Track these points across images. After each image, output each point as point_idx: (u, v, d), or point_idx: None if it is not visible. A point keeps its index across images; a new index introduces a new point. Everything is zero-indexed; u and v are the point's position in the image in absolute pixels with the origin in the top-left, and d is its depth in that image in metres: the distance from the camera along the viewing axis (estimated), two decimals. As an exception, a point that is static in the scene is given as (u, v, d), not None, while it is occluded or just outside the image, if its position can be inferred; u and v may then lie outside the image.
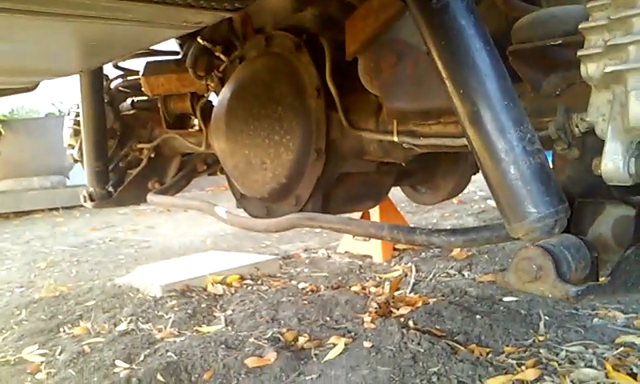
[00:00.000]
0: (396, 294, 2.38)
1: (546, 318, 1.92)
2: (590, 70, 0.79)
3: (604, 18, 0.77)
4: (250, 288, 2.59)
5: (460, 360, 1.61)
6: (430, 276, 2.59)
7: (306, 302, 2.30)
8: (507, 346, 1.74)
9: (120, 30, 0.99)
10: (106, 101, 2.13)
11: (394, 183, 1.90)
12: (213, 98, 1.96)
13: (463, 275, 2.58)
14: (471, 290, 2.30)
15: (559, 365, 1.59)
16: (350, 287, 2.50)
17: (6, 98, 2.22)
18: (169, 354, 1.84)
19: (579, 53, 0.79)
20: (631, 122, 0.74)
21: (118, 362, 1.84)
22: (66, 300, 2.61)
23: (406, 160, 1.53)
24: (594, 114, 0.81)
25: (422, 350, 1.69)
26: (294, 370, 1.68)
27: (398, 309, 2.14)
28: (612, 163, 0.77)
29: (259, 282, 2.69)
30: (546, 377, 1.52)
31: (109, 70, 2.23)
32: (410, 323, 1.95)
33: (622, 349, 1.65)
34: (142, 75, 2.02)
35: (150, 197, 2.08)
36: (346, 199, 1.73)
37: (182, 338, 1.99)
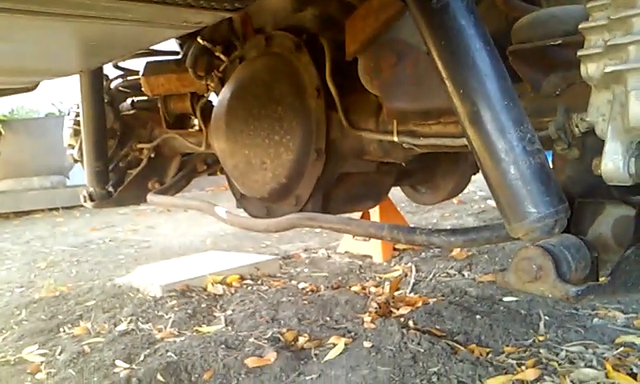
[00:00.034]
0: (396, 293, 2.38)
1: (546, 318, 1.92)
2: (589, 70, 0.79)
3: (604, 18, 0.77)
4: (250, 288, 2.59)
5: (460, 360, 1.61)
6: (430, 276, 2.59)
7: (306, 302, 2.30)
8: (507, 346, 1.74)
9: (120, 30, 0.99)
10: (106, 101, 2.14)
11: (394, 183, 1.90)
12: (213, 98, 1.96)
13: (463, 275, 2.58)
14: (471, 290, 2.30)
15: (559, 365, 1.59)
16: (350, 287, 2.50)
17: (6, 98, 2.22)
18: (169, 353, 1.84)
19: (579, 53, 0.79)
20: (631, 122, 0.74)
21: (118, 362, 1.84)
22: (66, 300, 2.61)
23: (406, 160, 1.53)
24: (594, 113, 0.81)
25: (422, 350, 1.69)
26: (294, 370, 1.68)
27: (398, 309, 2.14)
28: (612, 163, 0.77)
29: (259, 282, 2.69)
30: (546, 377, 1.52)
31: (109, 69, 2.23)
32: (410, 323, 1.95)
33: (622, 349, 1.65)
34: (142, 75, 2.02)
35: (149, 197, 2.08)
36: (346, 199, 1.73)
37: (182, 338, 1.99)
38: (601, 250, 0.89)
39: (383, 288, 2.46)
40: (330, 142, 1.52)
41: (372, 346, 1.76)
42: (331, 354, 1.75)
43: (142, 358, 1.87)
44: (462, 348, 1.71)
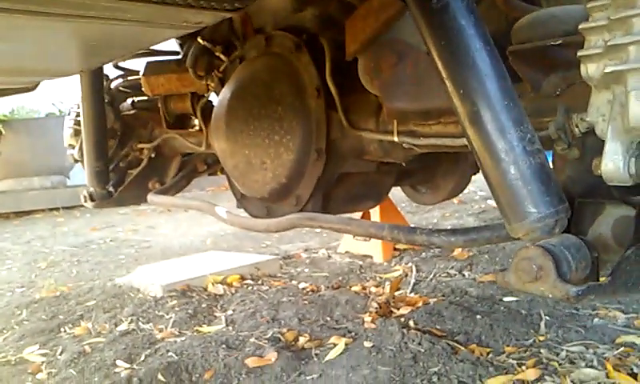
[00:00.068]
0: (396, 293, 2.38)
1: (547, 317, 1.92)
2: (590, 70, 0.79)
3: (604, 19, 0.77)
4: (250, 288, 2.59)
5: (460, 360, 1.61)
6: (431, 276, 2.59)
7: (306, 301, 2.30)
8: (508, 345, 1.74)
9: (120, 30, 0.99)
10: (106, 101, 2.14)
11: (394, 183, 1.90)
12: (213, 98, 1.96)
13: (464, 275, 2.58)
14: (472, 290, 2.30)
15: (560, 365, 1.58)
16: (351, 287, 2.50)
17: (7, 98, 2.22)
18: (169, 353, 1.84)
19: (579, 53, 0.79)
20: (631, 122, 0.73)
21: (118, 362, 1.84)
22: (66, 300, 2.61)
23: (406, 160, 1.53)
24: (594, 114, 0.81)
25: (423, 350, 1.69)
26: (295, 370, 1.68)
27: (398, 309, 2.14)
28: (612, 163, 0.77)
29: (260, 282, 2.69)
30: (546, 377, 1.52)
31: (109, 69, 2.23)
32: (411, 323, 1.95)
33: (622, 349, 1.65)
34: (143, 75, 2.02)
35: (150, 197, 2.08)
36: (347, 199, 1.73)
37: (183, 338, 1.99)
38: (601, 250, 0.89)
39: (384, 288, 2.46)
40: (330, 142, 1.52)
41: (372, 346, 1.76)
42: (332, 354, 1.75)
43: (142, 357, 1.87)
44: (463, 348, 1.71)
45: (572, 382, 1.48)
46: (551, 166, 0.89)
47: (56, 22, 0.90)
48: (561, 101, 0.96)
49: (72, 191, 6.12)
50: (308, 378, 1.63)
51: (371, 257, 3.05)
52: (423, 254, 2.97)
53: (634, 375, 1.49)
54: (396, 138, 1.34)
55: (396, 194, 2.26)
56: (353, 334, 1.91)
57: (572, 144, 0.91)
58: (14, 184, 6.40)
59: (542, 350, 1.68)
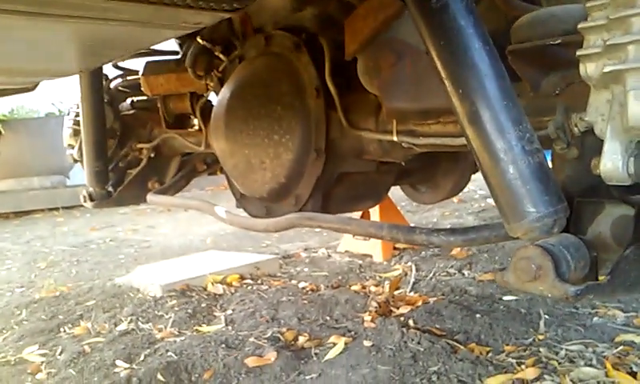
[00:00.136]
0: (396, 293, 2.38)
1: (546, 316, 1.92)
2: (589, 69, 0.79)
3: (603, 18, 0.76)
4: (250, 287, 2.59)
5: (460, 359, 1.61)
6: (430, 275, 2.59)
7: (306, 301, 2.30)
8: (507, 344, 1.74)
9: (118, 30, 0.99)
10: (105, 101, 2.14)
11: (393, 182, 1.90)
12: (212, 97, 1.96)
13: (463, 274, 2.58)
14: (471, 289, 2.30)
15: (559, 364, 1.59)
16: (350, 286, 2.50)
17: (6, 98, 2.22)
18: (169, 353, 1.84)
19: (578, 52, 0.79)
20: (630, 122, 0.73)
21: (118, 362, 1.84)
22: (66, 300, 2.61)
23: (405, 159, 1.53)
24: (593, 113, 0.81)
25: (422, 349, 1.69)
26: (294, 370, 1.68)
27: (398, 308, 2.14)
28: (611, 163, 0.77)
29: (259, 282, 2.69)
30: (545, 376, 1.52)
31: (108, 69, 2.23)
32: (410, 322, 1.95)
33: (621, 347, 1.65)
34: (142, 75, 2.02)
35: (149, 197, 2.08)
36: (346, 199, 1.73)
37: (182, 338, 1.99)
38: (600, 249, 0.89)
39: (383, 287, 2.46)
40: (329, 141, 1.52)
41: (372, 345, 1.76)
42: (331, 354, 1.75)
43: (142, 357, 1.87)
44: (462, 347, 1.71)
45: (571, 380, 1.48)
46: (550, 166, 0.89)
47: (55, 23, 0.90)
48: (560, 100, 0.95)
49: (72, 191, 6.12)
50: (307, 377, 1.63)
51: (371, 256, 3.05)
52: (423, 253, 2.97)
53: (633, 374, 1.49)
54: (395, 138, 1.34)
55: (396, 193, 2.26)
56: (352, 333, 1.91)
57: (571, 143, 0.91)
58: (14, 184, 6.40)
59: (541, 349, 1.68)
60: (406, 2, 0.92)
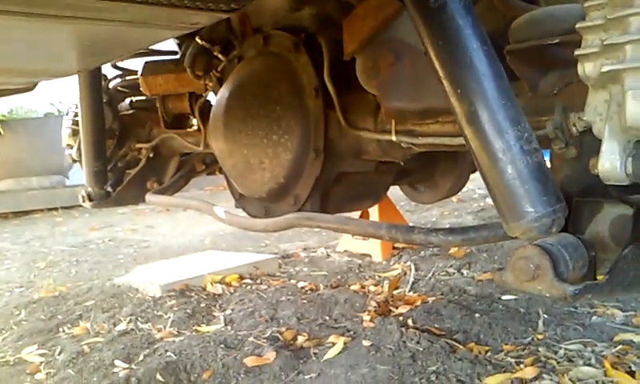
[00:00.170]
0: (395, 292, 2.38)
1: (545, 316, 1.92)
2: (587, 69, 0.79)
3: (601, 18, 0.77)
4: (249, 287, 2.59)
5: (459, 358, 1.61)
6: (429, 274, 2.59)
7: (305, 301, 2.30)
8: (506, 344, 1.74)
9: (116, 31, 0.99)
10: (104, 101, 2.14)
11: (392, 182, 1.90)
12: (211, 97, 1.96)
13: (462, 274, 2.58)
14: (470, 289, 2.30)
15: (558, 363, 1.59)
16: (349, 286, 2.50)
17: (5, 98, 2.22)
18: (168, 353, 1.84)
19: (576, 52, 0.79)
20: (628, 122, 0.74)
21: (117, 362, 1.84)
22: (65, 300, 2.61)
23: (404, 159, 1.53)
24: (591, 113, 0.81)
25: (421, 349, 1.70)
26: (294, 369, 1.68)
27: (397, 307, 2.14)
28: (609, 163, 0.77)
29: (258, 282, 2.69)
30: (544, 375, 1.52)
31: (107, 69, 2.23)
32: (409, 322, 1.95)
33: (620, 347, 1.65)
34: (141, 75, 2.02)
35: (148, 196, 2.08)
36: (345, 199, 1.73)
37: (181, 338, 1.99)
38: (598, 248, 0.89)
39: (382, 287, 2.46)
40: (328, 141, 1.52)
41: (371, 345, 1.76)
42: (330, 353, 1.75)
43: (141, 357, 1.87)
44: (461, 346, 1.72)
45: (570, 380, 1.49)
46: (549, 165, 0.89)
47: (53, 24, 0.90)
48: (558, 100, 0.96)
49: (71, 191, 6.12)
50: (307, 377, 1.64)
51: (370, 256, 3.05)
52: (422, 252, 2.97)
53: (631, 373, 1.49)
54: (394, 138, 1.34)
55: (395, 192, 2.26)
56: (351, 332, 1.91)
57: (569, 143, 0.91)
58: (13, 184, 6.40)
59: (540, 349, 1.68)
60: (404, 1, 0.92)
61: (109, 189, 2.16)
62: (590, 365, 1.56)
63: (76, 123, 2.20)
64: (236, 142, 1.64)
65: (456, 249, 2.84)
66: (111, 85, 2.26)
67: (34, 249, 4.26)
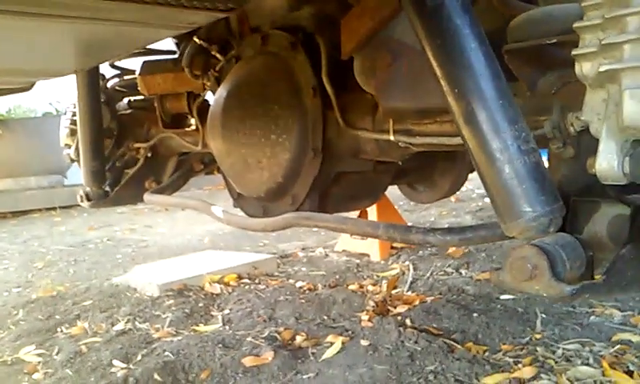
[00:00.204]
0: (393, 292, 2.38)
1: (543, 315, 1.92)
2: (584, 69, 0.79)
3: (598, 17, 0.76)
4: (247, 287, 2.59)
5: (457, 358, 1.62)
6: (428, 274, 2.59)
7: (303, 300, 2.30)
8: (504, 344, 1.74)
9: (114, 30, 0.99)
10: (102, 100, 2.13)
11: (391, 182, 1.89)
12: (209, 97, 1.96)
13: (460, 273, 2.58)
14: (468, 288, 2.30)
15: (556, 363, 1.59)
16: (348, 286, 2.50)
17: (3, 98, 2.21)
18: (166, 353, 1.84)
19: (574, 52, 0.79)
20: (625, 121, 0.73)
21: (115, 362, 1.84)
22: (63, 300, 2.61)
23: (402, 159, 1.53)
24: (589, 112, 0.81)
25: (419, 349, 1.70)
26: (292, 369, 1.68)
27: (395, 307, 2.14)
28: (606, 162, 0.77)
29: (257, 281, 2.69)
30: (542, 375, 1.52)
31: (105, 69, 2.23)
32: (408, 322, 1.95)
33: (618, 346, 1.66)
34: (139, 74, 2.02)
35: (147, 196, 2.08)
36: (343, 198, 1.73)
37: (180, 338, 1.98)
38: (596, 248, 0.89)
39: (381, 286, 2.46)
40: (326, 141, 1.52)
41: (369, 345, 1.76)
42: (328, 353, 1.75)
43: (139, 357, 1.87)
44: (459, 346, 1.72)
45: (568, 379, 1.49)
46: (546, 165, 0.89)
47: (50, 23, 0.90)
48: (556, 99, 0.95)
49: (69, 191, 6.12)
50: (305, 376, 1.63)
51: (368, 255, 3.05)
52: (420, 252, 2.97)
53: (629, 373, 1.50)
54: (392, 137, 1.33)
55: (393, 192, 2.26)
56: (350, 332, 1.91)
57: (567, 143, 0.91)
58: (11, 183, 6.39)
59: (538, 348, 1.69)
60: (402, 1, 0.92)
61: (107, 188, 2.16)
62: (588, 364, 1.56)
63: (74, 123, 2.20)
64: (234, 141, 1.64)
65: (454, 248, 2.85)
66: (109, 84, 2.26)
67: (32, 248, 4.26)
